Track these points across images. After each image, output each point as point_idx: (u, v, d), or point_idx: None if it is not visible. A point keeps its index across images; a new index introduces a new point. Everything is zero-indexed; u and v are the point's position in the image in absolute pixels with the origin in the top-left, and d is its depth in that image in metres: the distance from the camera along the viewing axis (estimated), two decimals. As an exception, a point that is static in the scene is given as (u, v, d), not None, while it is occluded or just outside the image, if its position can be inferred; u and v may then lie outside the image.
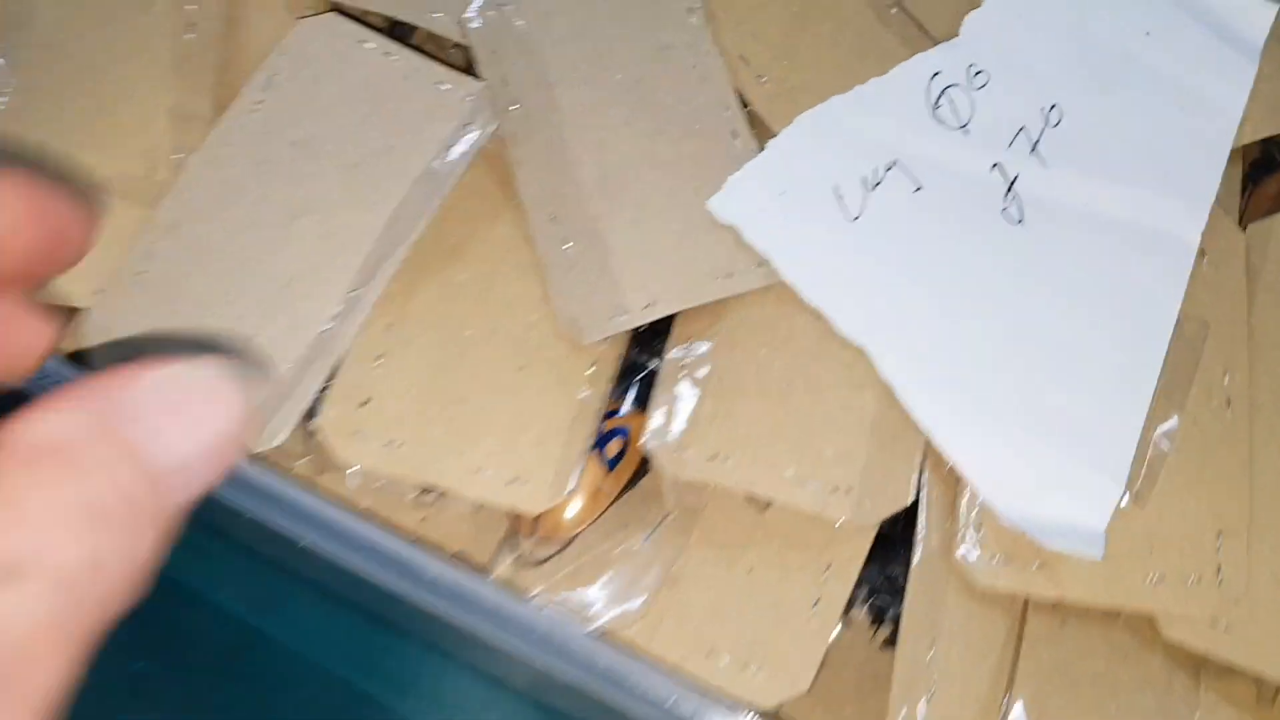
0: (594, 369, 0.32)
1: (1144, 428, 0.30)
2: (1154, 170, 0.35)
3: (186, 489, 0.17)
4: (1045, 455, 0.30)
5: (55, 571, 0.15)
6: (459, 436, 0.30)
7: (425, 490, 0.32)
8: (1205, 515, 0.30)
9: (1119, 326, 0.32)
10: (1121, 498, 0.30)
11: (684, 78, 0.35)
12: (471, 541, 0.32)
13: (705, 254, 0.32)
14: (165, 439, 0.17)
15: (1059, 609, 0.31)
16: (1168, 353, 0.31)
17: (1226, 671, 0.30)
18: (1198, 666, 0.31)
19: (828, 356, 0.31)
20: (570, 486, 0.30)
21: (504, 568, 0.32)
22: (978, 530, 0.30)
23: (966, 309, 0.32)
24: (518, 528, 0.32)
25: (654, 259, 0.32)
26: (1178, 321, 0.32)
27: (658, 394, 0.32)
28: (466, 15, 0.36)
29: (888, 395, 0.31)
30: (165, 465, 0.17)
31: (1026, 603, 0.31)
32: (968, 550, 0.30)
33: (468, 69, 0.37)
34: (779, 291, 0.32)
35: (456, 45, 0.38)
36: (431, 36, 0.40)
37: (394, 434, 0.31)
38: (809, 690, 0.30)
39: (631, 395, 0.33)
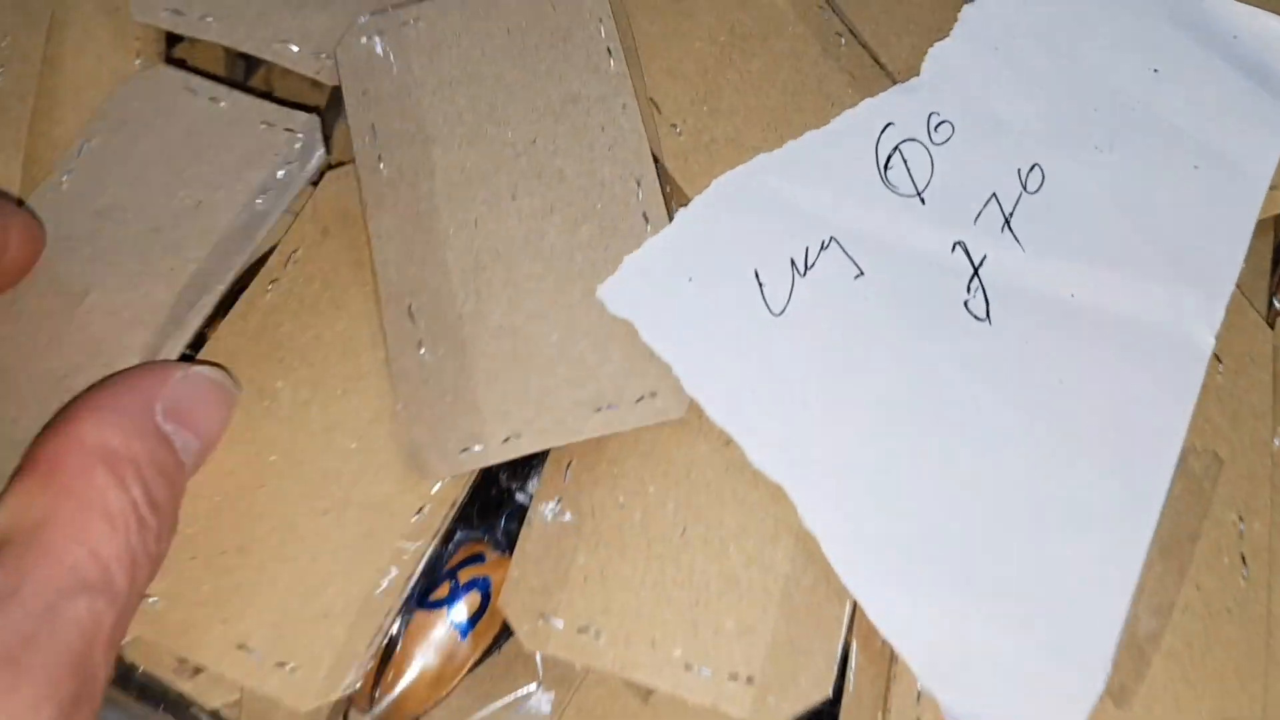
0: (421, 515, 0.25)
1: (1133, 600, 0.24)
2: (1160, 250, 0.28)
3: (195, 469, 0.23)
4: (1006, 637, 0.23)
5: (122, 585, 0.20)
6: (228, 597, 0.24)
7: (182, 662, 0.25)
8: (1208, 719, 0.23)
9: (1107, 463, 0.25)
10: (1100, 698, 0.23)
11: (589, 140, 0.28)
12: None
13: (588, 374, 0.25)
14: (195, 426, 0.23)
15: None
16: (1168, 497, 0.25)
17: None
18: None
19: (734, 498, 0.25)
20: (349, 682, 0.23)
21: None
22: (917, 729, 0.24)
23: (916, 438, 0.25)
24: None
25: (524, 377, 0.25)
26: (1182, 454, 0.25)
27: (522, 542, 0.25)
28: (333, 48, 0.29)
29: (807, 550, 0.24)
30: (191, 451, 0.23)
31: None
32: (905, 752, 0.23)
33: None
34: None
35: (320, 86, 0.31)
36: (293, 82, 0.33)
37: (155, 586, 0.24)
38: None
39: (499, 533, 0.26)
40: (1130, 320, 0.27)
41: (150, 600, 0.24)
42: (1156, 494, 0.25)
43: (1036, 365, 0.26)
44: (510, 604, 0.24)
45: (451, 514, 0.25)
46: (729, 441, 0.25)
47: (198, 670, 0.25)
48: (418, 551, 0.25)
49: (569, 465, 0.26)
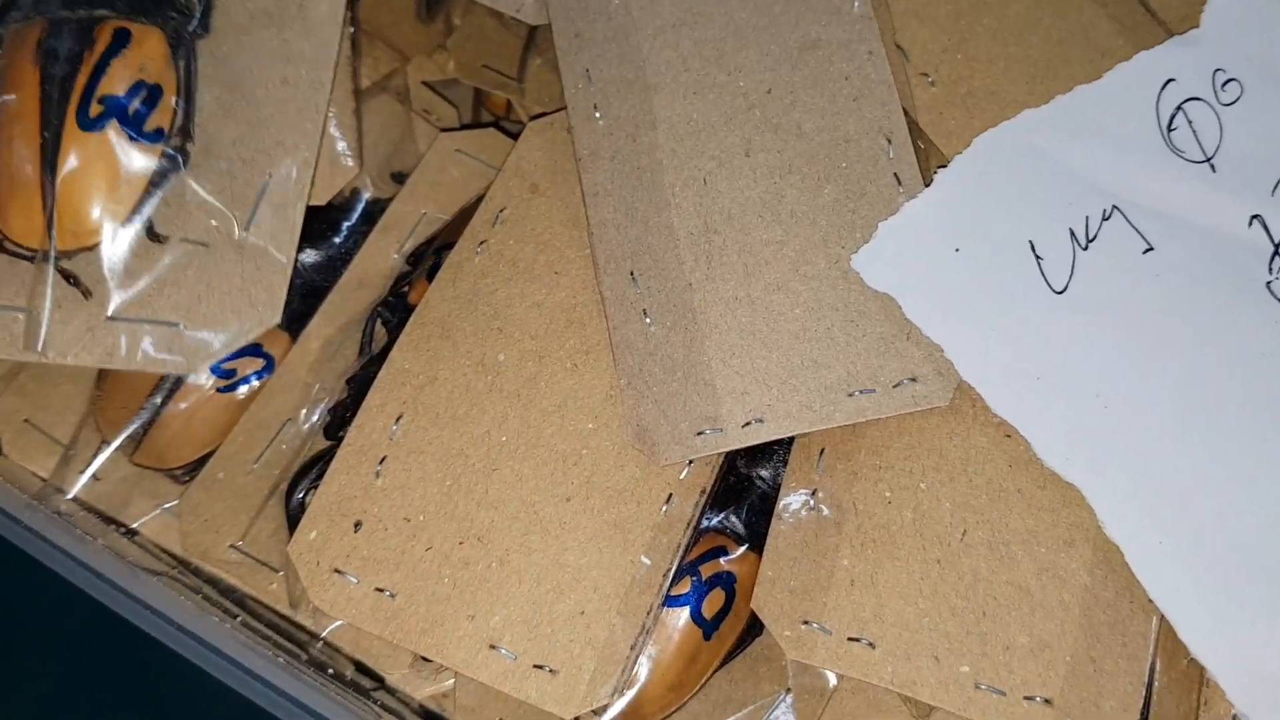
0: (671, 504, 0.23)
1: None
2: None
3: None
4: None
5: None
6: (472, 592, 0.21)
7: (423, 660, 0.23)
8: None
9: None
10: None
11: (832, 90, 0.25)
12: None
13: (838, 353, 0.23)
14: None
15: None
16: None
17: None
18: None
19: (1020, 498, 0.22)
20: (614, 687, 0.21)
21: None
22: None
23: (1223, 438, 0.22)
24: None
25: (766, 354, 0.23)
26: None
27: (774, 537, 0.23)
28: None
29: (1108, 559, 0.22)
30: None
31: None
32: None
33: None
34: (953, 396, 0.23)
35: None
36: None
37: (388, 578, 0.22)
38: None
39: (739, 523, 0.24)
40: None
41: (385, 594, 0.22)
42: None
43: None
44: (767, 605, 0.22)
45: (704, 502, 0.23)
46: (1010, 434, 0.22)
47: (417, 660, 0.23)
48: (672, 543, 0.22)
49: (821, 453, 0.23)
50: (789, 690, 0.23)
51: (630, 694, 0.22)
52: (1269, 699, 0.21)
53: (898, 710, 0.22)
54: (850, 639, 0.21)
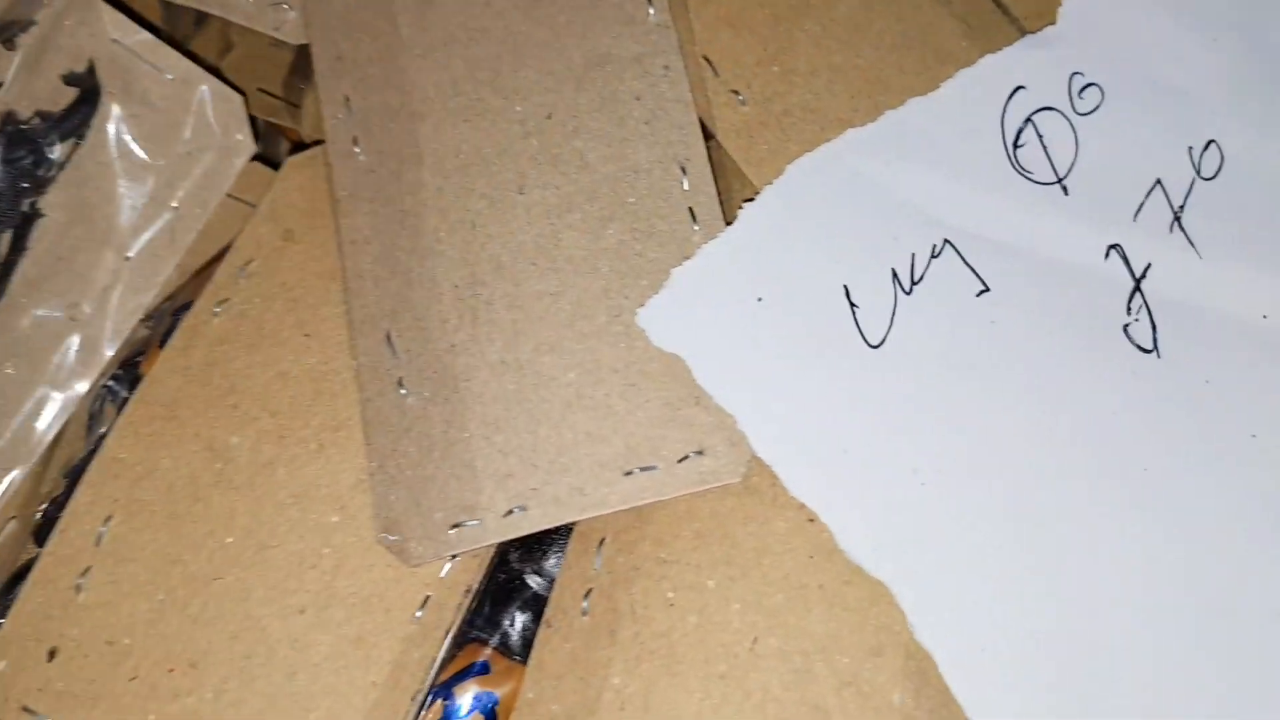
0: (426, 611, 0.19)
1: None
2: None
3: None
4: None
5: None
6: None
7: None
8: None
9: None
10: None
11: (622, 114, 0.21)
12: None
13: (617, 425, 0.19)
14: None
15: None
16: None
17: None
18: None
19: (822, 595, 0.19)
20: None
21: None
22: None
23: (1066, 515, 0.19)
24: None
25: (534, 429, 0.19)
26: None
27: (539, 649, 0.19)
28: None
29: (922, 671, 0.18)
30: None
31: None
32: None
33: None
34: (750, 474, 0.19)
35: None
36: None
37: (84, 717, 0.19)
38: None
39: (510, 631, 0.21)
40: (1345, 349, 0.21)
41: None
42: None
43: (1221, 410, 0.20)
44: None
45: (468, 603, 0.20)
46: (813, 518, 0.19)
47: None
48: (425, 659, 0.19)
49: (600, 544, 0.20)
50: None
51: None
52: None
53: None
54: (616, 775, 0.18)
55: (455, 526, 0.19)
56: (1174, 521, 0.19)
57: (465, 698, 0.19)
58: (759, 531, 0.19)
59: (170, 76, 0.23)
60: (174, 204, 0.23)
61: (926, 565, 0.18)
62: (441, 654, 0.19)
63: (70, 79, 0.23)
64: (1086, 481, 0.19)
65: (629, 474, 0.19)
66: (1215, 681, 0.18)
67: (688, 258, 0.20)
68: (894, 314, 0.20)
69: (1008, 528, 0.19)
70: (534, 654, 0.19)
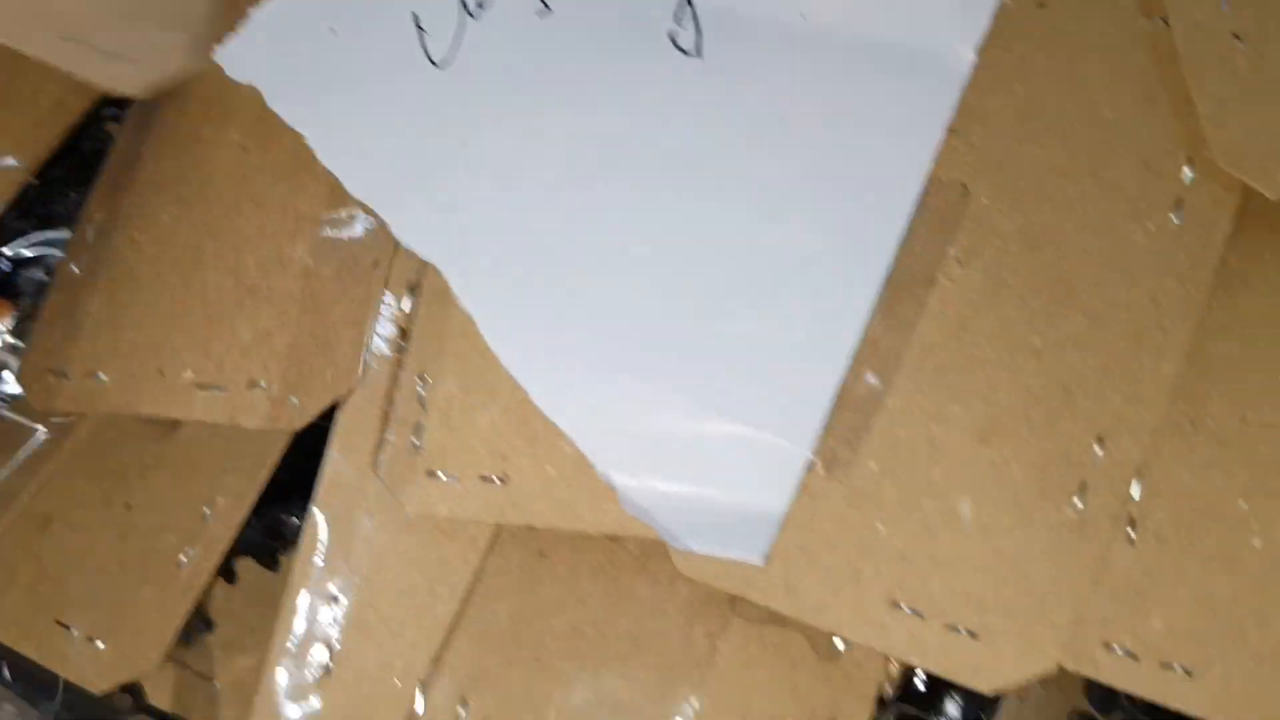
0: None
1: (853, 360, 0.20)
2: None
3: None
4: (707, 412, 0.20)
5: None
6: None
7: None
8: (940, 477, 0.20)
9: (833, 212, 0.21)
10: (809, 466, 0.20)
11: None
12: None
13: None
14: None
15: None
16: (905, 235, 0.21)
17: None
18: None
19: (251, 201, 0.22)
20: None
21: None
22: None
23: (606, 199, 0.21)
24: None
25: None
26: (925, 188, 0.21)
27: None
28: None
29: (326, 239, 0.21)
30: None
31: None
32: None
33: None
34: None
35: None
36: None
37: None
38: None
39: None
40: (873, 42, 0.23)
41: None
42: (887, 243, 0.21)
43: (755, 104, 0.22)
44: (26, 370, 0.23)
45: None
46: (247, 148, 0.22)
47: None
48: None
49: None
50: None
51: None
52: (631, 454, 0.20)
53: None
54: (86, 376, 0.22)
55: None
56: (704, 199, 0.21)
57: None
58: (209, 168, 0.21)
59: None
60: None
61: (477, 246, 0.21)
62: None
63: None
64: (630, 173, 0.21)
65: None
66: (726, 321, 0.21)
67: (271, -1, 0.22)
68: (460, 35, 0.22)
69: (558, 213, 0.21)
70: (45, 307, 0.23)
